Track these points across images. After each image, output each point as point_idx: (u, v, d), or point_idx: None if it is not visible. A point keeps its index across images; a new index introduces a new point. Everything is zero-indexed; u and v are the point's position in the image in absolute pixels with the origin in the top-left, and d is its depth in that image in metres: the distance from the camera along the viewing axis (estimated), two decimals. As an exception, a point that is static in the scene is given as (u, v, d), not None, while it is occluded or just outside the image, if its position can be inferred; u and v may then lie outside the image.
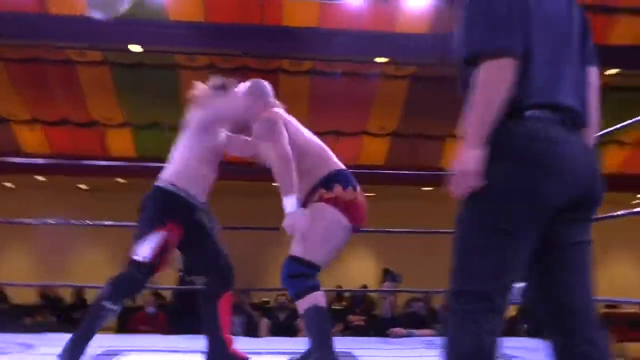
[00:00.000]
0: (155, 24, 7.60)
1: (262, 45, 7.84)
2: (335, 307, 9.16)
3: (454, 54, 1.65)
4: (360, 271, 12.89)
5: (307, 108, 9.35)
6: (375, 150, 10.36)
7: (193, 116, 3.03)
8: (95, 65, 8.47)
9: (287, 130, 2.82)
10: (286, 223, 2.67)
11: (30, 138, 9.74)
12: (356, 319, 8.41)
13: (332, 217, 2.67)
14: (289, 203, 2.66)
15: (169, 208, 2.87)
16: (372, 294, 9.82)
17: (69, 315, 9.08)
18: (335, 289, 10.33)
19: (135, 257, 2.78)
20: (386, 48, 7.48)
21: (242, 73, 8.68)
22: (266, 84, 3.11)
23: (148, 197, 2.93)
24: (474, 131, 1.54)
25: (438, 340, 1.67)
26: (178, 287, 6.58)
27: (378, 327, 5.56)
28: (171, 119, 9.49)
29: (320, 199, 2.71)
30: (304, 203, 2.77)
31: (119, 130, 9.61)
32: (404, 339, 4.27)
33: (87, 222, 4.72)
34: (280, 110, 2.98)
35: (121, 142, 9.80)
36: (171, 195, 2.88)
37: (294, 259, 2.66)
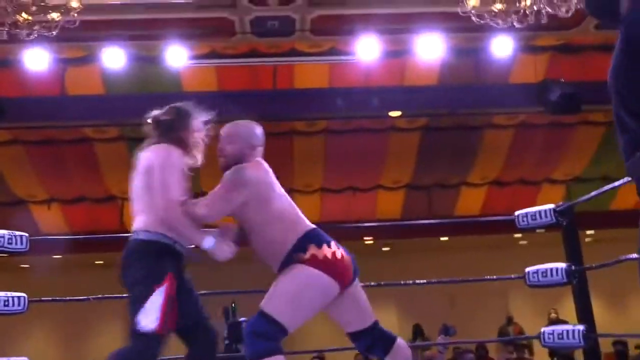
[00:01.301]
0: (170, 96, 7.76)
1: (275, 109, 7.99)
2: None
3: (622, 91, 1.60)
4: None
5: (322, 167, 9.44)
6: (390, 204, 10.38)
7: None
8: (112, 141, 8.60)
9: (267, 194, 2.60)
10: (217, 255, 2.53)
11: (48, 217, 9.77)
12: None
13: (307, 278, 2.51)
14: (208, 241, 2.51)
15: (160, 259, 2.49)
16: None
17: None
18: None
19: (140, 329, 2.39)
20: (398, 102, 7.62)
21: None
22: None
23: (131, 253, 2.54)
24: None
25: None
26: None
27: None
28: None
29: (298, 261, 2.53)
30: (279, 271, 2.59)
31: (137, 203, 9.65)
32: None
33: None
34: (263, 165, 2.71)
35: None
36: (156, 244, 2.52)
37: (263, 315, 2.46)
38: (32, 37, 4.83)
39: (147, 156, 2.63)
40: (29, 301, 3.62)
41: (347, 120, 8.47)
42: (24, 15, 4.69)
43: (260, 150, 2.75)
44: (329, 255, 2.53)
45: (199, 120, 2.75)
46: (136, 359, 2.43)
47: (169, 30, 6.44)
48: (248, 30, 6.75)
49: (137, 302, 2.42)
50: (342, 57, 7.24)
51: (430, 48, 6.76)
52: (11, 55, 6.50)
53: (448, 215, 10.40)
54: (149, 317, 2.38)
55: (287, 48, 7.31)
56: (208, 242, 2.53)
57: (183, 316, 2.53)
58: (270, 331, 2.42)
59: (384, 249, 12.51)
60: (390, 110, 7.98)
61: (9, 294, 3.55)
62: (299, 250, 2.54)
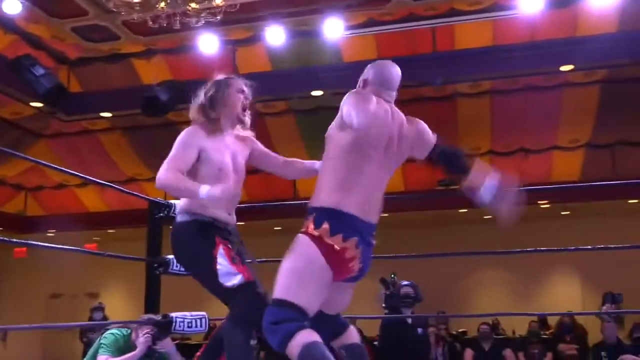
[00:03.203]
0: (330, 68, 7.96)
1: (437, 73, 7.81)
2: (543, 335, 8.58)
3: None
4: (563, 297, 12.01)
5: (490, 129, 9.08)
6: (567, 165, 9.69)
7: None
8: (281, 114, 9.08)
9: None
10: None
11: (230, 188, 10.64)
12: (568, 348, 7.82)
13: (312, 256, 2.27)
14: (203, 189, 2.37)
15: (203, 233, 2.60)
16: (581, 322, 9.07)
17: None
18: (538, 313, 9.72)
19: (231, 285, 2.48)
20: (571, 54, 7.03)
21: (418, 103, 8.74)
22: None
23: (177, 237, 2.66)
24: None
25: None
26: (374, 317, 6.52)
27: (598, 355, 5.10)
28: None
29: (305, 232, 2.32)
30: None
31: (307, 172, 10.13)
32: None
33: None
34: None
35: (308, 184, 10.31)
36: (194, 223, 2.62)
37: (277, 303, 2.25)
38: (200, 23, 5.25)
39: None
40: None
41: (513, 78, 8.01)
42: (192, 5, 5.10)
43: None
44: (336, 249, 2.27)
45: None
46: (250, 309, 2.45)
47: (325, 3, 6.57)
48: (403, -6, 6.65)
49: (208, 275, 2.49)
50: (505, 13, 6.84)
51: (605, -8, 6.12)
52: (186, 41, 7.14)
53: (637, 176, 9.45)
54: (228, 274, 2.46)
55: (446, 9, 7.07)
56: (203, 190, 2.43)
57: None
58: (290, 315, 2.21)
59: (562, 213, 11.76)
60: (562, 65, 7.39)
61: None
62: (315, 220, 2.31)
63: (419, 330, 5.22)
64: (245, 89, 2.81)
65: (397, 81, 2.59)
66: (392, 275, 5.40)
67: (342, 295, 2.50)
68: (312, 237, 2.29)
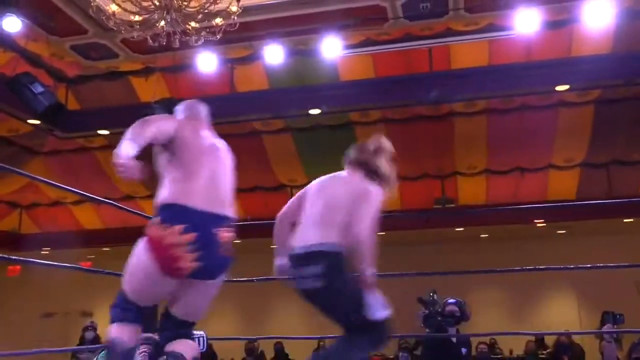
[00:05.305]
0: (327, 87, 8.01)
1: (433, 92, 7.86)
2: (541, 355, 8.54)
3: None
4: (560, 315, 11.97)
5: (486, 147, 9.13)
6: (563, 184, 9.74)
7: None
8: (278, 132, 9.10)
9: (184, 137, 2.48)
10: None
11: (227, 206, 10.62)
12: (565, 368, 7.79)
13: (136, 255, 2.46)
14: None
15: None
16: (578, 341, 9.04)
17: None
18: (535, 332, 9.65)
19: (377, 317, 2.61)
20: (566, 75, 7.10)
21: (415, 122, 8.79)
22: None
23: (334, 266, 2.67)
24: None
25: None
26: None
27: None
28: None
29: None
30: None
31: (304, 190, 10.14)
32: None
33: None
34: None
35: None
36: (343, 256, 2.69)
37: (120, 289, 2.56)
38: (199, 42, 5.27)
39: (366, 187, 2.76)
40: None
41: (509, 98, 8.08)
42: (192, 24, 5.13)
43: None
44: (165, 241, 2.33)
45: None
46: (379, 343, 2.67)
47: (323, 23, 6.63)
48: (400, 15, 6.71)
49: (355, 302, 2.60)
50: (501, 33, 6.91)
51: (599, 14, 6.19)
52: (185, 59, 7.18)
53: (631, 195, 9.50)
54: (376, 307, 2.60)
55: (442, 29, 7.14)
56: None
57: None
58: (120, 302, 2.54)
59: (559, 232, 11.78)
60: (558, 85, 7.46)
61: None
62: (155, 217, 2.44)
63: (463, 350, 5.10)
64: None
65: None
66: (432, 294, 5.22)
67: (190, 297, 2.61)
68: (147, 235, 2.48)
